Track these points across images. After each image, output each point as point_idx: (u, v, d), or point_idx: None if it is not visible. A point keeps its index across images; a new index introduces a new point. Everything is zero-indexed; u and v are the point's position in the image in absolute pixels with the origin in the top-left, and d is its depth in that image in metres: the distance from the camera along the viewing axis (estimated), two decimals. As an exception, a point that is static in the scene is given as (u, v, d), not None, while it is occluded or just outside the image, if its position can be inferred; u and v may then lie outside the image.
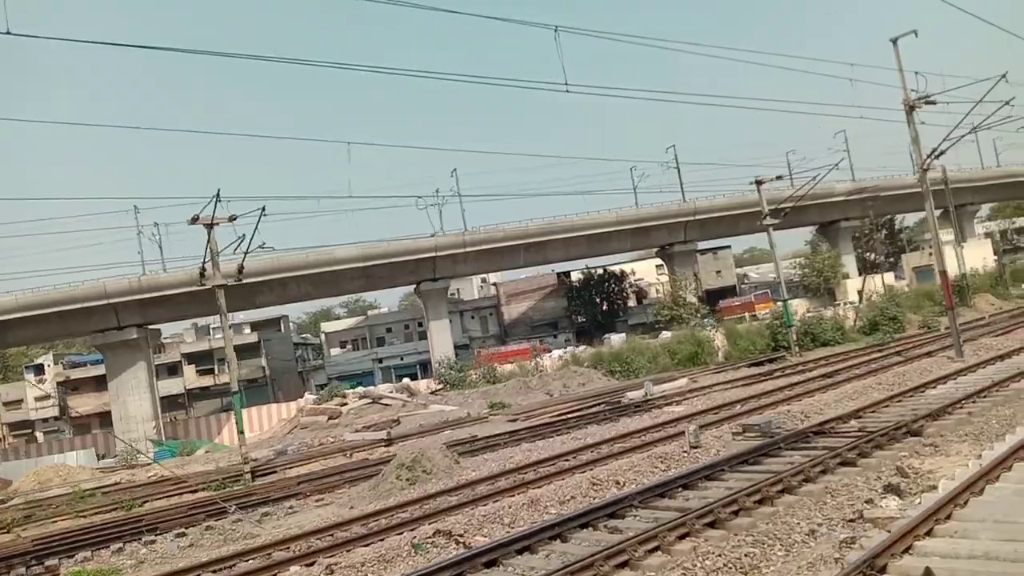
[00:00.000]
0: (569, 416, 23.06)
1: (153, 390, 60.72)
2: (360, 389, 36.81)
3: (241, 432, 23.22)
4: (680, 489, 11.30)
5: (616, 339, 69.12)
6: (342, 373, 71.12)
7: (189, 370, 71.84)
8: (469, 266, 68.35)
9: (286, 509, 16.11)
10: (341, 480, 17.57)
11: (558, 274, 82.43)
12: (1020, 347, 21.95)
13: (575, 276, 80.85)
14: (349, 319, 78.88)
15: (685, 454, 14.46)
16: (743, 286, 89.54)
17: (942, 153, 21.64)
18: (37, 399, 69.37)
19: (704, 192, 75.11)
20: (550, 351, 67.40)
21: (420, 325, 68.50)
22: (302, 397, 52.96)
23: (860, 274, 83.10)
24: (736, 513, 9.59)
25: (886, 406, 15.48)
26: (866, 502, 9.86)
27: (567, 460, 15.37)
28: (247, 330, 76.69)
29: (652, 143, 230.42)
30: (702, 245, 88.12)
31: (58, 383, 69.75)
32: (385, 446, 23.10)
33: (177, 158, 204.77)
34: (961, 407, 14.00)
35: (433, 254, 64.11)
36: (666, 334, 63.11)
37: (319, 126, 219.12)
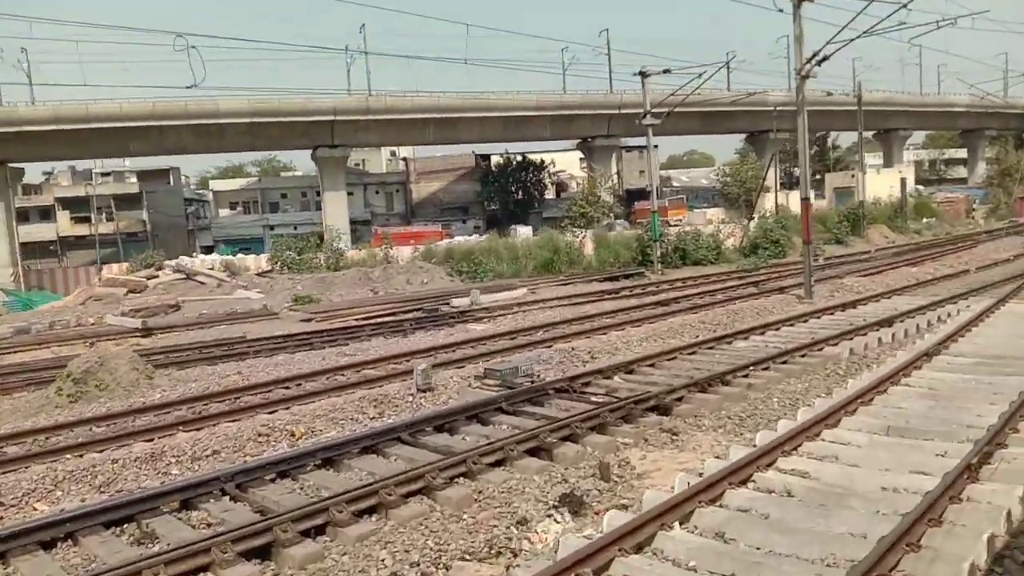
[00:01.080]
0: (370, 322, 19.83)
1: (12, 234, 55.40)
2: (174, 262, 32.74)
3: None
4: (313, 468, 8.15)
5: (523, 231, 65.98)
6: (229, 237, 66.60)
7: (63, 216, 66.09)
8: (372, 135, 63.41)
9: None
10: (29, 380, 14.14)
11: (476, 156, 77.84)
12: (880, 292, 19.29)
13: (495, 161, 76.44)
14: (241, 179, 73.46)
15: (410, 398, 11.30)
16: (666, 189, 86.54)
17: (825, 59, 18.13)
18: None
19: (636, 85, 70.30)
20: (452, 236, 64.03)
21: (319, 194, 63.83)
22: (190, 256, 48.70)
23: (782, 189, 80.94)
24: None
25: (673, 358, 12.51)
26: (518, 522, 6.80)
27: (270, 390, 12.11)
28: (133, 179, 70.80)
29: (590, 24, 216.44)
30: (629, 142, 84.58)
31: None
32: (141, 337, 19.62)
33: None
34: (747, 374, 11.04)
35: (331, 117, 58.88)
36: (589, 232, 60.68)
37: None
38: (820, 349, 12.67)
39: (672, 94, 33.73)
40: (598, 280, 28.62)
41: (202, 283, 27.71)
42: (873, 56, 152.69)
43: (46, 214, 66.01)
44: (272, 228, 67.26)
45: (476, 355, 14.24)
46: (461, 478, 7.60)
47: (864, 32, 17.15)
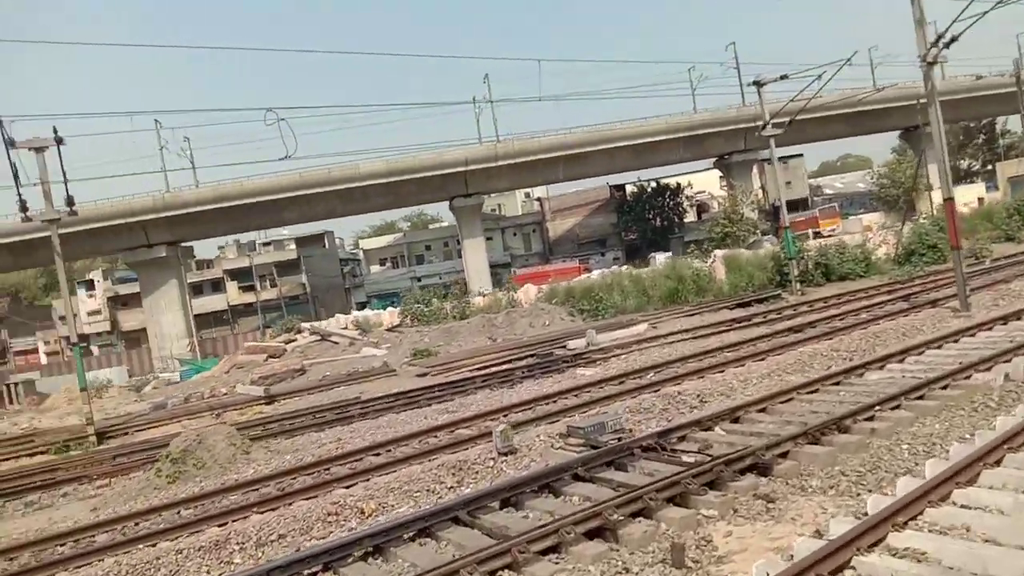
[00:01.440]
0: (482, 373, 19.26)
1: (186, 307, 60.08)
2: (309, 325, 33.60)
3: (83, 389, 20.29)
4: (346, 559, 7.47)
5: (661, 258, 64.01)
6: (381, 291, 69.14)
7: (232, 287, 71.25)
8: (504, 180, 64.01)
9: (27, 502, 13.27)
10: (146, 459, 14.55)
11: (611, 187, 76.76)
12: None
13: (630, 190, 75.05)
14: (388, 236, 76.24)
15: (491, 462, 10.51)
16: (816, 198, 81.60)
17: (954, 39, 15.80)
18: (89, 313, 70.49)
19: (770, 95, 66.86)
20: (590, 270, 63.12)
21: (459, 243, 65.04)
22: (348, 314, 51.06)
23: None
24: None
25: (789, 399, 10.94)
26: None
27: (359, 458, 11.68)
28: (292, 245, 75.31)
29: (715, 40, 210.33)
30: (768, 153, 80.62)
31: (108, 298, 70.55)
32: (264, 404, 20.00)
33: (200, 70, 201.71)
34: (872, 415, 9.36)
35: (464, 168, 60.01)
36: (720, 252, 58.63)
37: (346, 36, 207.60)
38: (968, 377, 10.65)
39: (799, 99, 31.35)
40: (728, 307, 26.68)
41: (336, 343, 28.37)
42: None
43: (217, 286, 71.44)
44: (419, 279, 69.19)
45: (577, 405, 13.25)
46: (505, 571, 6.62)
47: (999, 2, 14.84)
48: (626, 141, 63.70)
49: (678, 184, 76.23)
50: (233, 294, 71.23)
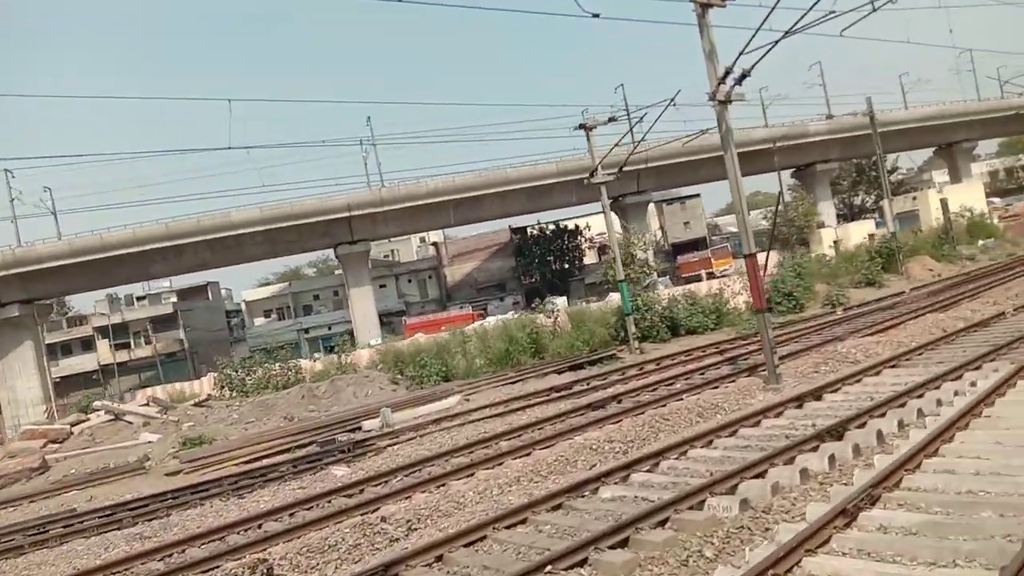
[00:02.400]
0: (245, 468, 16.42)
1: (43, 370, 55.23)
2: (101, 403, 30.00)
3: None
4: None
5: (560, 302, 62.21)
6: (265, 345, 64.89)
7: (103, 345, 66.26)
8: (392, 226, 61.46)
9: None
10: None
11: (511, 229, 74.89)
12: (874, 364, 14.65)
13: (530, 232, 73.39)
14: (273, 286, 72.64)
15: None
16: (715, 237, 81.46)
17: (744, 75, 14.02)
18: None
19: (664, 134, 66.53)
20: (484, 316, 60.81)
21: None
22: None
23: (840, 222, 74.86)
24: None
25: (482, 537, 8.48)
26: None
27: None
28: (174, 298, 70.85)
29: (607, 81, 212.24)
30: (665, 195, 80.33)
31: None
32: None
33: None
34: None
35: (347, 213, 57.42)
36: (614, 295, 57.06)
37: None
38: (701, 504, 8.38)
39: (628, 142, 30.10)
40: (558, 371, 24.29)
41: (130, 423, 25.04)
42: (922, 70, 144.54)
43: (88, 344, 66.33)
44: (307, 331, 65.60)
45: (261, 539, 10.47)
46: None
47: (788, 32, 13.14)
48: (518, 184, 62.21)
49: (576, 226, 75.02)
50: (104, 353, 66.18)
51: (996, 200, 78.89)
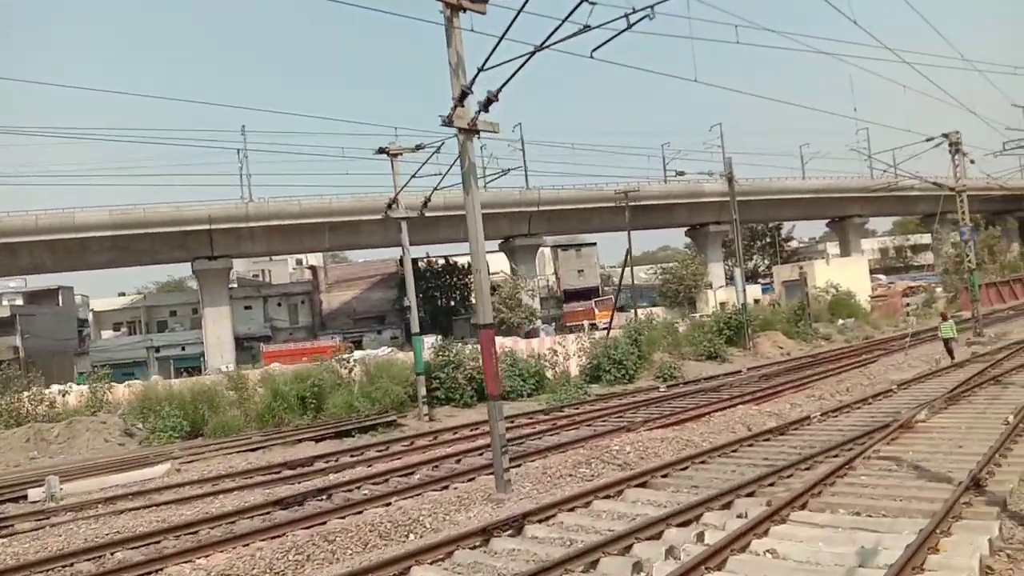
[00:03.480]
0: None
1: None
2: None
3: None
4: None
5: (430, 341, 59.00)
6: (112, 360, 59.39)
7: (-77, 345, 59.26)
8: (258, 244, 57.29)
9: None
10: None
11: (399, 261, 71.43)
12: (635, 474, 11.88)
13: (422, 265, 70.15)
14: (126, 298, 67.14)
15: None
16: (607, 288, 79.90)
17: (491, 100, 11.16)
18: None
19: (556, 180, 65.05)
20: (351, 350, 57.07)
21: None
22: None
23: (727, 284, 74.29)
24: None
25: None
26: None
27: None
28: (18, 300, 64.44)
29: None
30: (560, 240, 78.80)
31: None
32: None
33: None
34: None
35: (207, 226, 52.97)
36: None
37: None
38: None
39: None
40: (316, 439, 20.43)
41: None
42: (821, 143, 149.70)
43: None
44: (157, 349, 60.32)
45: None
46: None
47: (539, 47, 10.56)
48: (402, 213, 58.87)
49: (468, 263, 72.11)
50: (-77, 354, 59.22)
51: (882, 277, 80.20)
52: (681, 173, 37.49)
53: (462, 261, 72.09)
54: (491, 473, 12.31)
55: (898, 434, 12.83)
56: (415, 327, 25.48)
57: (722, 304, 64.02)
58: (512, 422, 19.70)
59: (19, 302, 64.42)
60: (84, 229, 50.00)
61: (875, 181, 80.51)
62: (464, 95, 11.28)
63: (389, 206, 25.60)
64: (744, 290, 37.20)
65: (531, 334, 57.69)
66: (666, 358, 29.07)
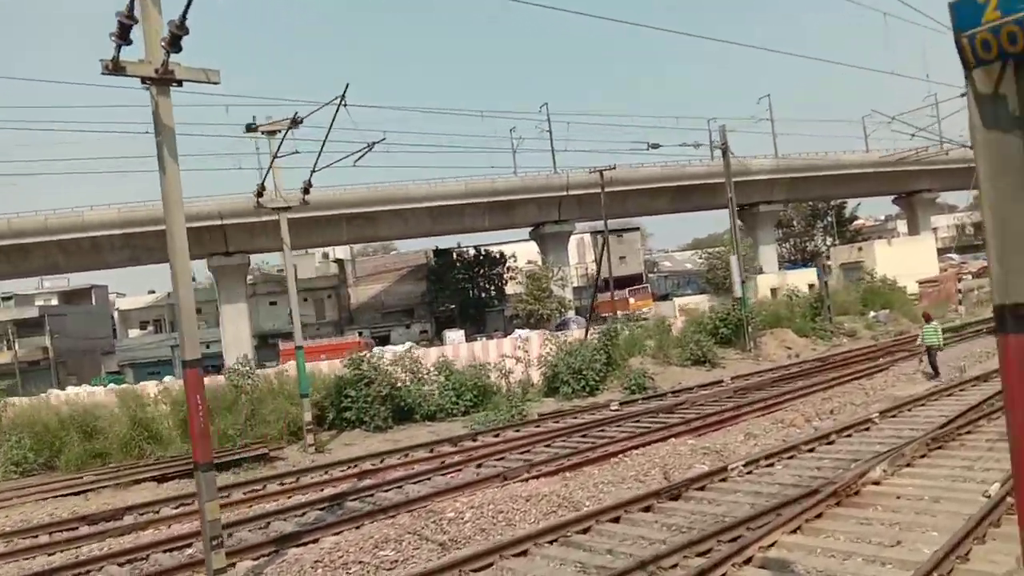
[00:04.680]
0: None
1: None
2: None
3: None
4: None
5: (453, 336, 56.47)
6: (136, 360, 59.21)
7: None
8: (273, 239, 55.18)
9: None
10: None
11: (435, 251, 69.07)
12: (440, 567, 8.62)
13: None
14: (151, 296, 66.72)
15: None
16: (651, 275, 75.73)
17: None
18: None
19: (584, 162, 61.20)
20: (371, 346, 55.07)
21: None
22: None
23: (780, 267, 69.02)
24: None
25: None
26: None
27: None
28: (53, 300, 64.96)
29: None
30: (613, 224, 74.55)
31: None
32: None
33: None
34: None
35: (219, 221, 51.60)
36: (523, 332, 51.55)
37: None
38: None
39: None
40: (160, 478, 16.98)
41: None
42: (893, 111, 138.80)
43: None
44: (183, 347, 59.51)
45: None
46: None
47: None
48: (420, 203, 56.61)
49: (501, 253, 69.16)
50: (-41, 357, 60.27)
51: (955, 257, 73.33)
52: (655, 145, 33.13)
53: (496, 250, 69.10)
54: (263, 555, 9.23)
55: (825, 508, 9.10)
56: (298, 337, 22.28)
57: (773, 291, 59.08)
58: (381, 461, 16.64)
59: (54, 302, 64.98)
60: (94, 228, 49.33)
61: (946, 151, 73.64)
62: (125, 28, 7.87)
63: (259, 194, 22.34)
64: (743, 279, 32.38)
65: (562, 326, 54.34)
66: (646, 363, 25.30)
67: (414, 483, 14.07)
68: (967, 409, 13.68)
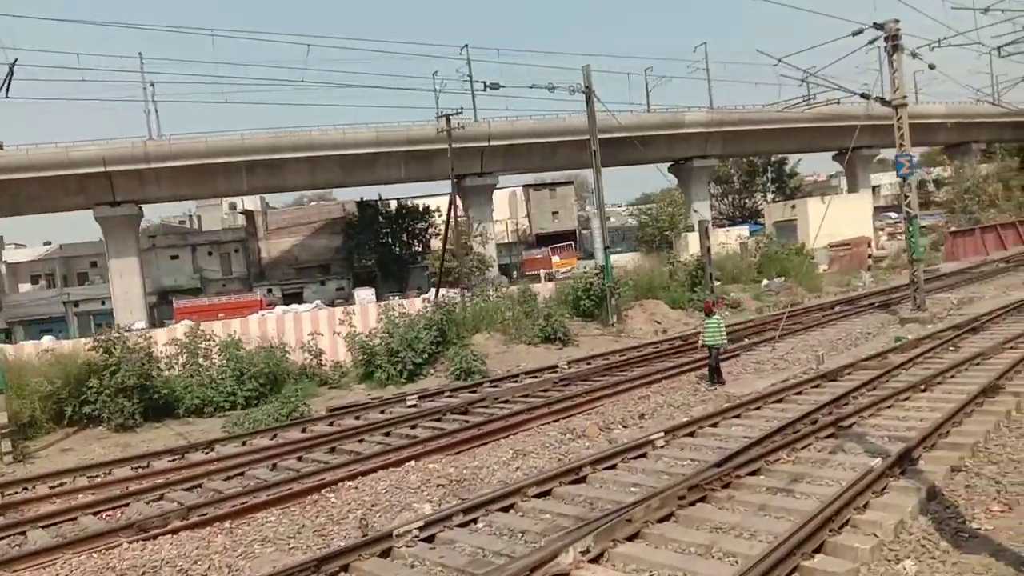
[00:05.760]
0: None
1: None
2: None
3: None
4: None
5: (363, 295, 53.41)
6: (27, 316, 55.15)
7: None
8: (164, 188, 51.61)
9: None
10: None
11: (358, 203, 65.21)
12: None
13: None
14: (43, 248, 62.32)
15: None
16: (586, 231, 72.97)
17: None
18: None
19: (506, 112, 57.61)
20: (271, 306, 51.89)
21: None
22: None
23: (714, 225, 66.67)
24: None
25: None
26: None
27: None
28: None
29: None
30: (546, 177, 71.87)
31: None
32: None
33: None
34: None
35: (103, 168, 47.36)
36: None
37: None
38: None
39: None
40: None
41: None
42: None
43: None
44: (76, 304, 55.65)
45: None
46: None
47: None
48: (329, 151, 52.75)
49: (427, 207, 65.66)
50: None
51: (892, 215, 71.69)
52: (495, 86, 29.66)
53: (422, 204, 65.63)
54: None
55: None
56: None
57: (707, 249, 56.75)
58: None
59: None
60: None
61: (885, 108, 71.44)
62: None
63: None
64: (606, 245, 28.91)
65: (481, 286, 51.50)
66: (493, 340, 22.45)
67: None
68: (771, 433, 10.50)
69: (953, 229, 48.29)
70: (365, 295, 53.55)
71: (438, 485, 10.31)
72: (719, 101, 68.56)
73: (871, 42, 22.99)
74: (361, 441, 13.41)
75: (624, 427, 12.90)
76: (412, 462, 11.45)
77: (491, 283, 55.34)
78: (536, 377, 18.06)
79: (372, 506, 9.73)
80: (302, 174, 53.55)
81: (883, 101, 24.36)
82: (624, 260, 57.53)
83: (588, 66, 28.43)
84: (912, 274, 23.59)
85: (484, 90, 33.81)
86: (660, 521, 7.91)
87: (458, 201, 68.35)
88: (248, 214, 62.01)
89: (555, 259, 56.19)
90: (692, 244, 60.32)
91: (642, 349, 20.97)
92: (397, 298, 44.49)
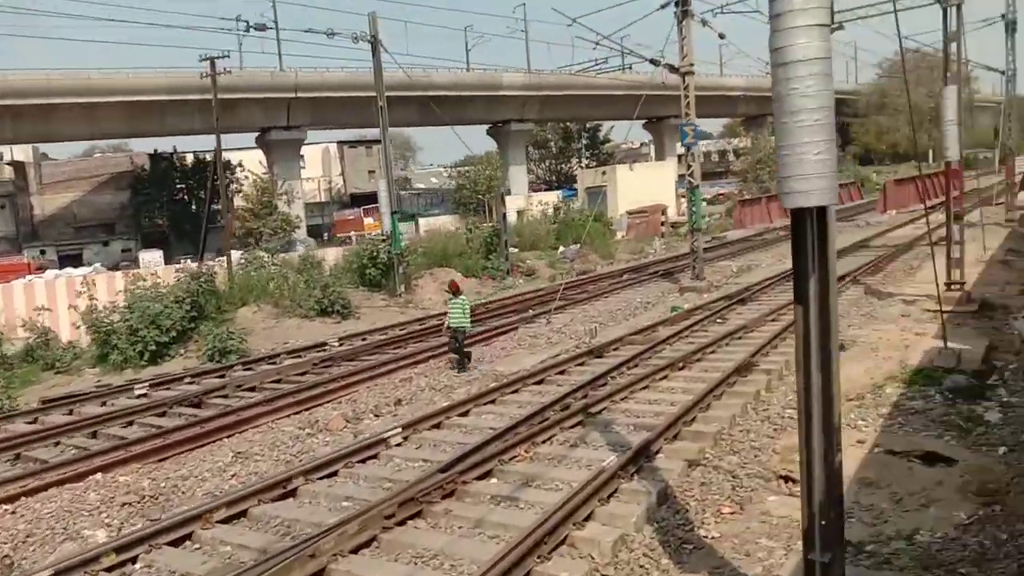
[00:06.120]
0: None
1: None
2: None
3: None
4: None
5: (149, 258, 48.71)
6: None
7: None
8: None
9: None
10: None
11: (151, 155, 59.03)
12: None
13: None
14: None
15: None
16: (403, 192, 70.85)
17: None
18: None
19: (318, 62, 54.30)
20: (41, 270, 46.13)
21: None
22: None
23: (531, 190, 67.02)
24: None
25: None
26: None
27: None
28: None
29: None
30: (366, 133, 68.46)
31: None
32: None
33: None
34: None
35: None
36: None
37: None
38: None
39: None
40: None
41: None
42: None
43: None
44: None
45: None
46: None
47: None
48: (112, 96, 47.23)
49: (228, 161, 60.58)
50: None
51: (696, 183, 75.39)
52: (261, 27, 27.80)
53: (226, 157, 60.68)
54: None
55: None
56: None
57: (519, 213, 56.59)
58: None
59: None
60: None
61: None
62: None
63: None
64: (394, 209, 27.22)
65: (287, 249, 48.41)
66: (263, 314, 20.62)
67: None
68: (533, 413, 10.03)
69: (743, 198, 50.99)
70: (150, 257, 48.95)
71: (124, 504, 8.55)
72: (539, 64, 68.35)
73: (663, 7, 22.86)
74: (57, 444, 11.23)
75: (376, 416, 11.66)
76: (99, 474, 9.52)
77: (300, 244, 52.54)
78: (300, 357, 16.38)
79: (27, 537, 7.83)
80: (79, 122, 47.70)
81: (672, 68, 24.37)
82: (441, 223, 56.39)
83: (374, 13, 26.72)
84: (692, 243, 24.05)
85: (247, 31, 31.08)
86: (355, 551, 6.68)
87: (262, 156, 64.30)
88: (17, 165, 54.47)
89: (368, 220, 53.83)
90: (510, 207, 60.31)
91: (425, 322, 19.73)
92: (190, 260, 40.77)
